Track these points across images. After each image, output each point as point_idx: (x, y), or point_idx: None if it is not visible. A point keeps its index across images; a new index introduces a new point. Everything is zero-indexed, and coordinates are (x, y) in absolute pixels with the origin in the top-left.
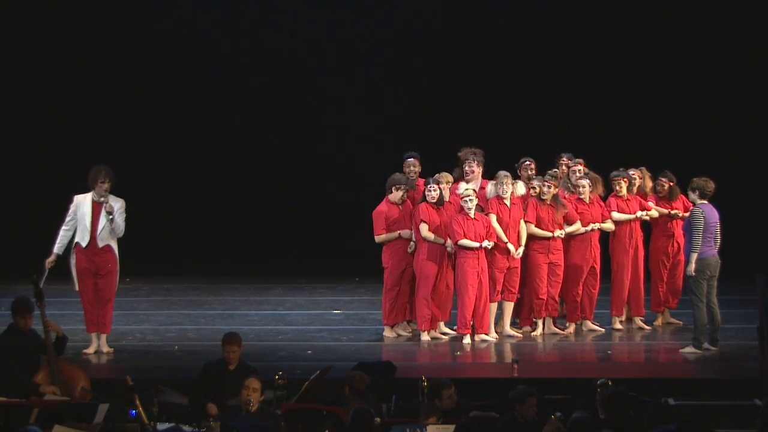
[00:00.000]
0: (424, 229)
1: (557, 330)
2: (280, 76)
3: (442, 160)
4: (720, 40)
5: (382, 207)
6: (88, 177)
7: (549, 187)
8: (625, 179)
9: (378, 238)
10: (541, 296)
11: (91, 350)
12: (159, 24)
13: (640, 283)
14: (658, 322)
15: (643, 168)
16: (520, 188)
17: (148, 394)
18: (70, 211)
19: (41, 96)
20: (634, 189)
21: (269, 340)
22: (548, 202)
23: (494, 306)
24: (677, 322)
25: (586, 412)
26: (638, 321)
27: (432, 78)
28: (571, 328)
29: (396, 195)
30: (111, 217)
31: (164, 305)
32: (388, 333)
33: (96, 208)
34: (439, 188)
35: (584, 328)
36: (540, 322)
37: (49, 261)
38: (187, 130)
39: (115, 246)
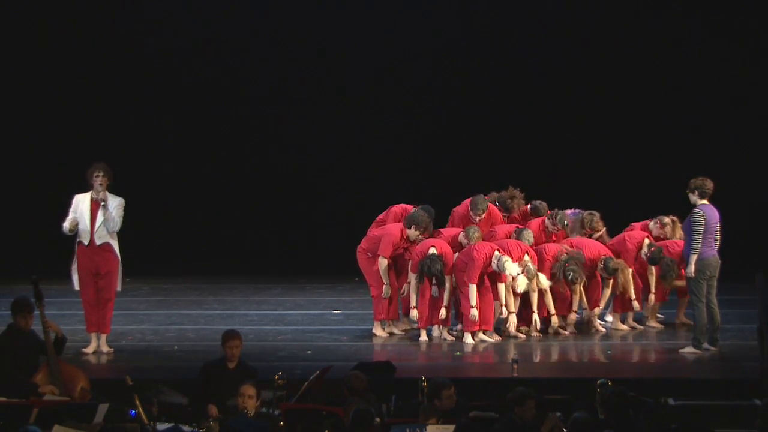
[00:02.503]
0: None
1: (560, 330)
2: (281, 77)
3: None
4: (718, 38)
5: (396, 233)
6: (86, 174)
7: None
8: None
9: (382, 261)
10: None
11: (90, 350)
12: (158, 26)
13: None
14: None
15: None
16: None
17: (148, 394)
18: (71, 209)
19: (40, 96)
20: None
21: (269, 340)
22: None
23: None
24: (689, 321)
25: (586, 412)
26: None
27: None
28: (571, 325)
29: (412, 234)
30: (104, 203)
31: (164, 305)
32: (377, 330)
33: (94, 206)
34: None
35: (591, 326)
36: (536, 318)
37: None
38: (188, 130)
39: (115, 245)
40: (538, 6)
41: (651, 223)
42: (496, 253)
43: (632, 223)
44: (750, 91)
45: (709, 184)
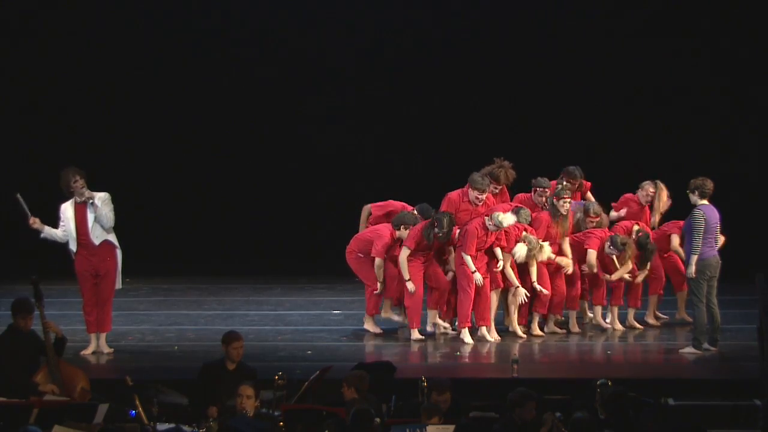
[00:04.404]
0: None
1: (557, 329)
2: (281, 77)
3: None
4: (718, 40)
5: (386, 235)
6: (60, 185)
7: (566, 202)
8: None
9: (378, 261)
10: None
11: (89, 351)
12: (154, 24)
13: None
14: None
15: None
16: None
17: (148, 394)
18: (60, 221)
19: (39, 96)
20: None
21: (269, 340)
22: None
23: (495, 301)
24: (689, 318)
25: (586, 412)
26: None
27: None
28: (574, 325)
29: (402, 234)
30: (92, 201)
31: (164, 305)
32: (369, 326)
33: (79, 209)
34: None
35: (593, 321)
36: (536, 317)
37: (34, 221)
38: (187, 130)
39: (114, 241)
40: None
41: (638, 192)
42: (486, 218)
43: (624, 195)
44: (750, 90)
45: (709, 184)
